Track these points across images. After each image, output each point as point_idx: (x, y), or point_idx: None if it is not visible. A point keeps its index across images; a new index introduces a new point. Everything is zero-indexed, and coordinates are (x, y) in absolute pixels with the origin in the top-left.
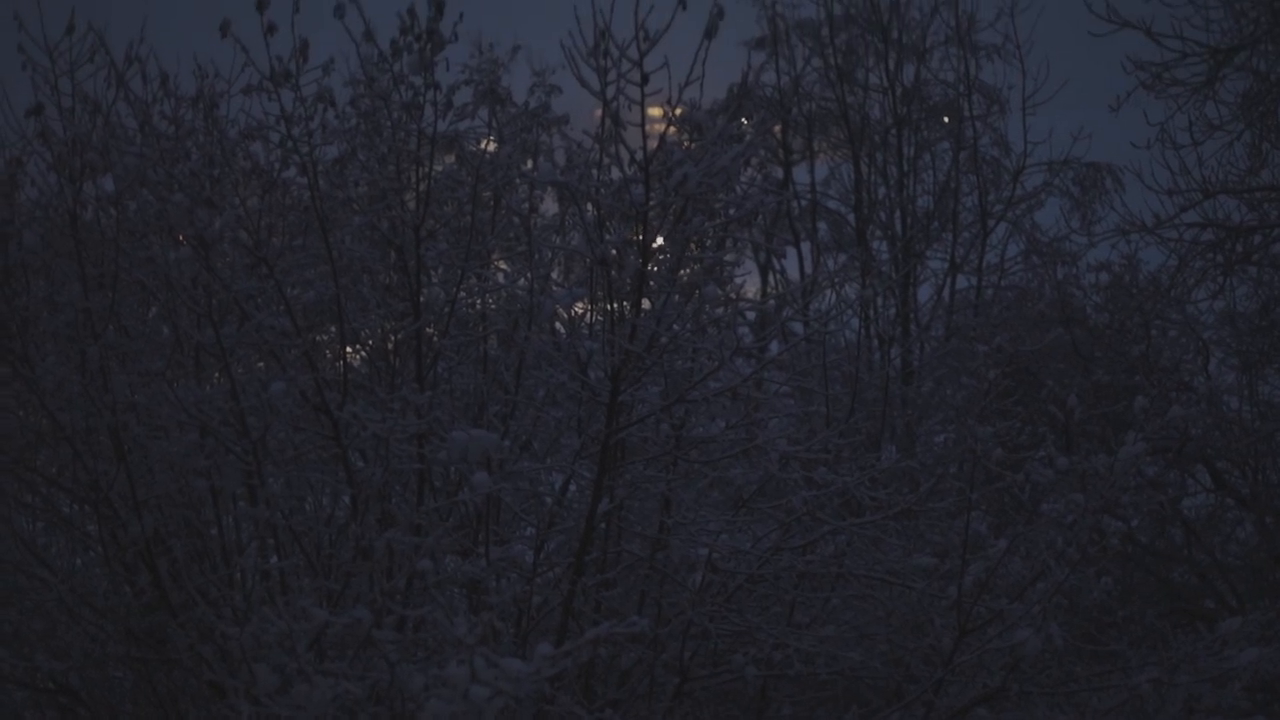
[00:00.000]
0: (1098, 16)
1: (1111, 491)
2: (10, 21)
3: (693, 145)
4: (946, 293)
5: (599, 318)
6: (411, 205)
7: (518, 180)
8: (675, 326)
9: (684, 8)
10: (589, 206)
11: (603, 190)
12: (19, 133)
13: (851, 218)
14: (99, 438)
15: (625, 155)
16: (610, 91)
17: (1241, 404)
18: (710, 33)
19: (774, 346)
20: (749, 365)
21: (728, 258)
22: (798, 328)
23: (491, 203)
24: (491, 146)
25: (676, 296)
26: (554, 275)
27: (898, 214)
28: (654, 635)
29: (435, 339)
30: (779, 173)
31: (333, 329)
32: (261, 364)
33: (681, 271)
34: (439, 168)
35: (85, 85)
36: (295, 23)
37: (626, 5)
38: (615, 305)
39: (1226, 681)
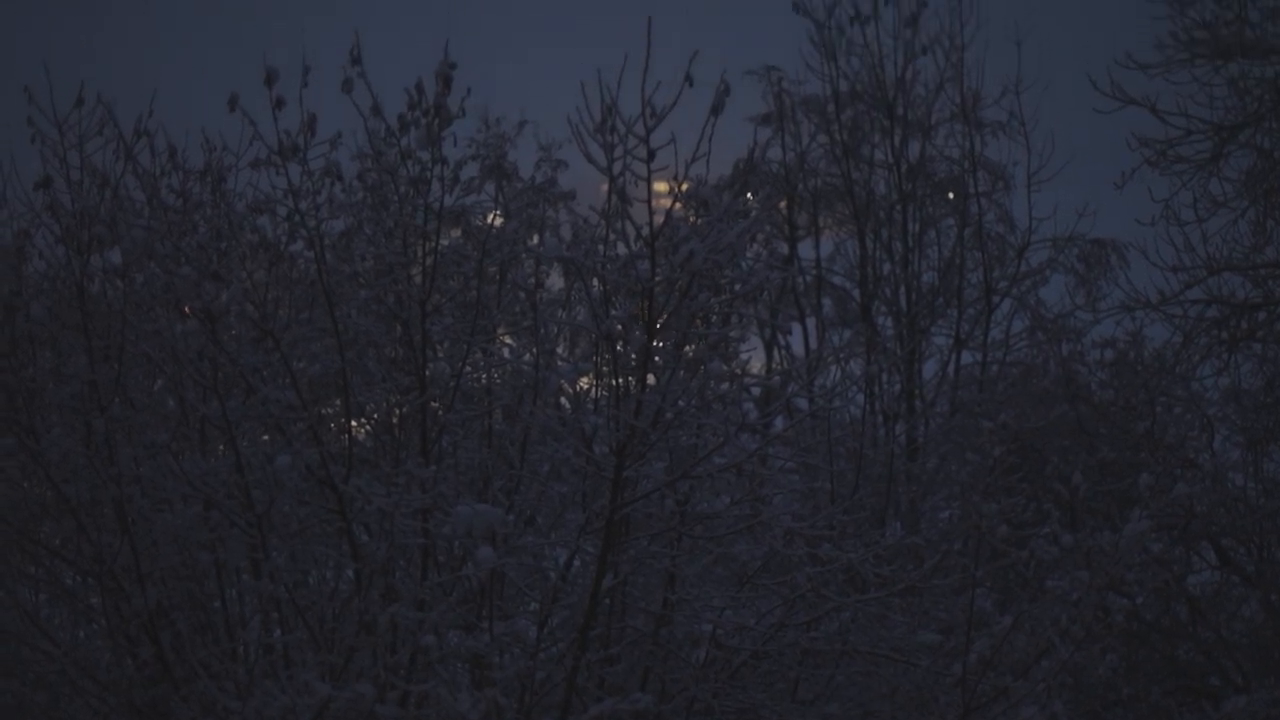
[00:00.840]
0: (1103, 94)
1: (1116, 568)
2: (19, 94)
3: (698, 221)
4: (951, 369)
5: (604, 393)
6: (417, 279)
7: (524, 255)
8: (680, 402)
9: (690, 85)
10: (595, 282)
11: (608, 266)
12: (27, 205)
13: (856, 293)
14: (103, 510)
15: (631, 231)
16: (617, 167)
17: (1246, 481)
18: (717, 110)
19: (779, 422)
20: (754, 441)
21: (733, 333)
22: (803, 403)
23: (497, 277)
24: (498, 221)
25: (682, 372)
26: (559, 350)
27: (902, 290)
28: (657, 712)
29: (440, 413)
30: (784, 248)
31: (338, 402)
32: (266, 437)
33: (687, 347)
34: (445, 242)
35: (94, 158)
36: (303, 97)
37: (633, 82)
38: (620, 380)
39: None
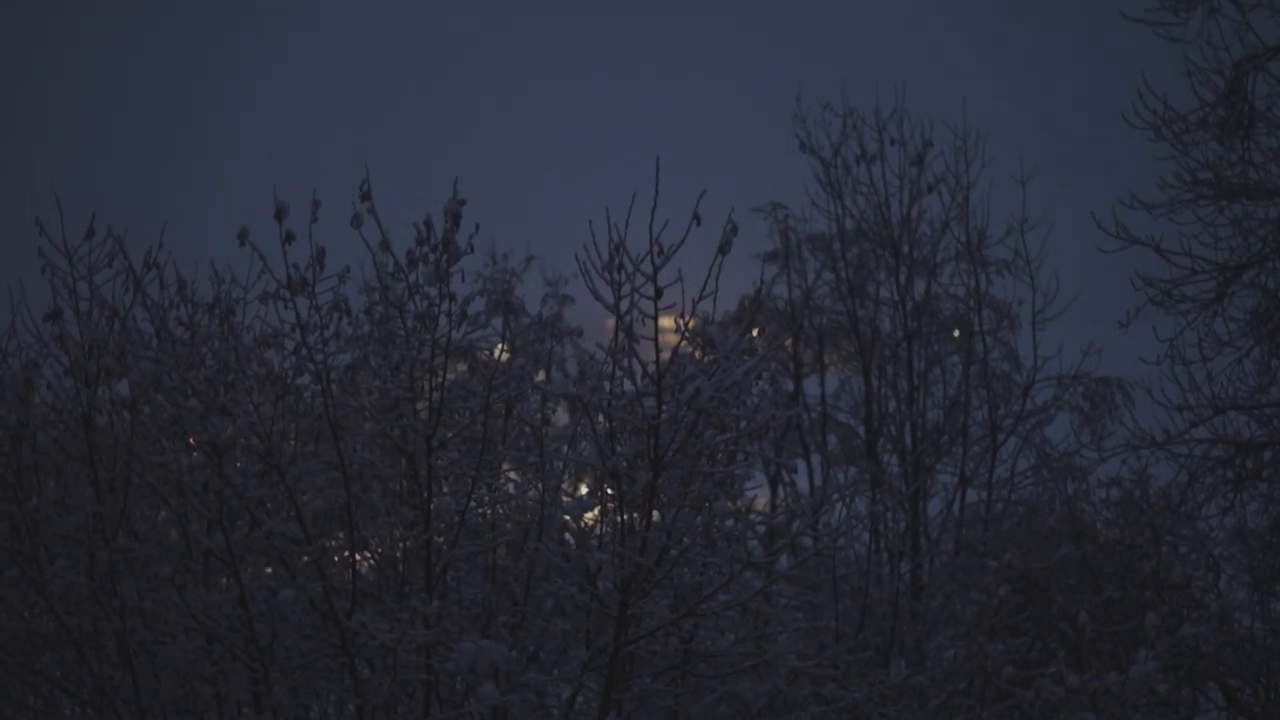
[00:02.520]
0: (1107, 233)
1: (1123, 709)
2: (31, 225)
3: (705, 358)
4: (956, 507)
5: (609, 529)
6: (423, 414)
7: (530, 391)
8: (685, 539)
9: (698, 224)
10: (600, 418)
11: (614, 402)
12: (36, 336)
13: (861, 431)
14: (105, 642)
15: (638, 368)
16: (624, 305)
17: (1253, 621)
18: (724, 249)
19: (783, 560)
20: (758, 579)
21: (738, 471)
22: (807, 541)
23: (503, 412)
24: (504, 356)
25: (687, 509)
26: (564, 486)
27: (908, 428)
28: None
29: (445, 548)
30: (789, 385)
31: (342, 536)
32: (270, 570)
33: (692, 484)
34: (451, 376)
35: (103, 289)
36: (312, 231)
37: (641, 219)
38: (625, 517)
39: None
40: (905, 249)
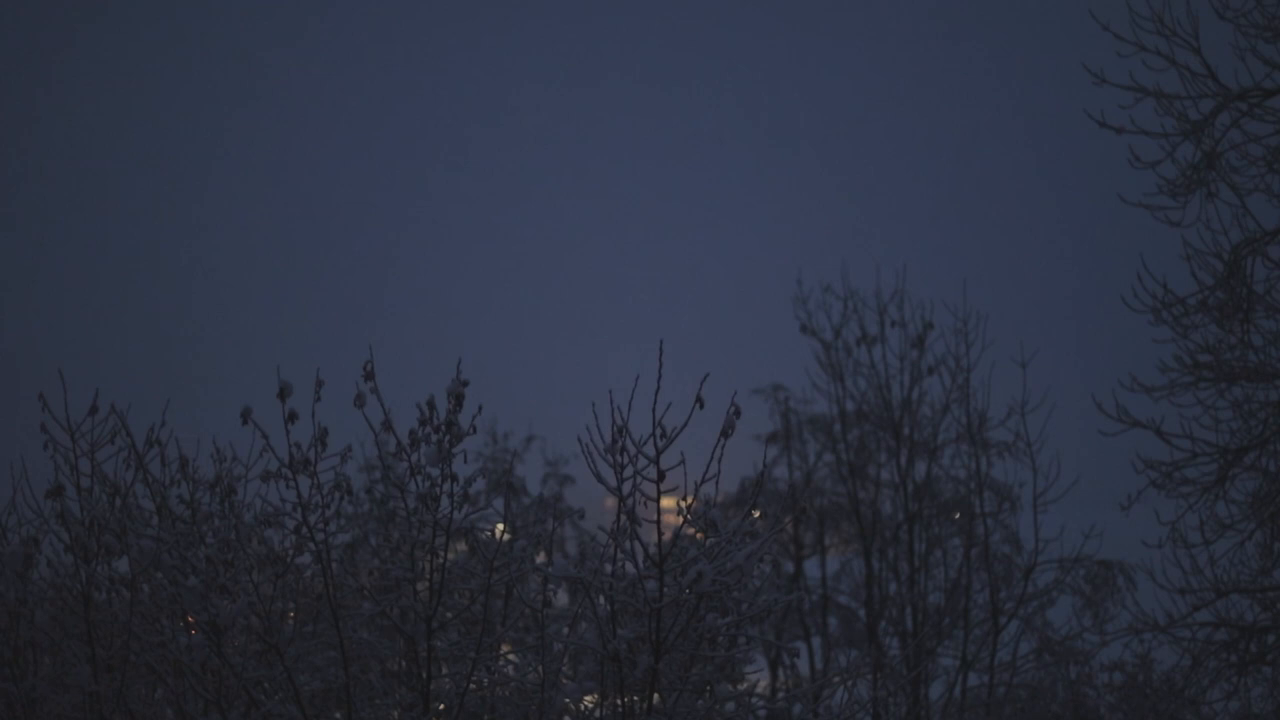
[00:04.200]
0: (1108, 416)
1: None
2: (34, 400)
3: (707, 540)
4: (958, 691)
5: (609, 713)
6: (424, 594)
7: (531, 572)
8: None
9: (701, 407)
10: (602, 600)
11: (616, 585)
12: (37, 512)
13: (863, 613)
14: None
15: (640, 550)
16: (626, 487)
17: None
18: (727, 432)
19: None
20: None
21: (739, 654)
22: None
23: (504, 593)
24: (505, 536)
25: (688, 693)
26: (564, 668)
27: (909, 610)
28: None
29: None
30: (790, 567)
31: (340, 717)
32: None
33: (693, 668)
34: (451, 556)
35: (105, 466)
36: (315, 411)
37: (644, 401)
38: (626, 700)
39: None
40: (906, 431)
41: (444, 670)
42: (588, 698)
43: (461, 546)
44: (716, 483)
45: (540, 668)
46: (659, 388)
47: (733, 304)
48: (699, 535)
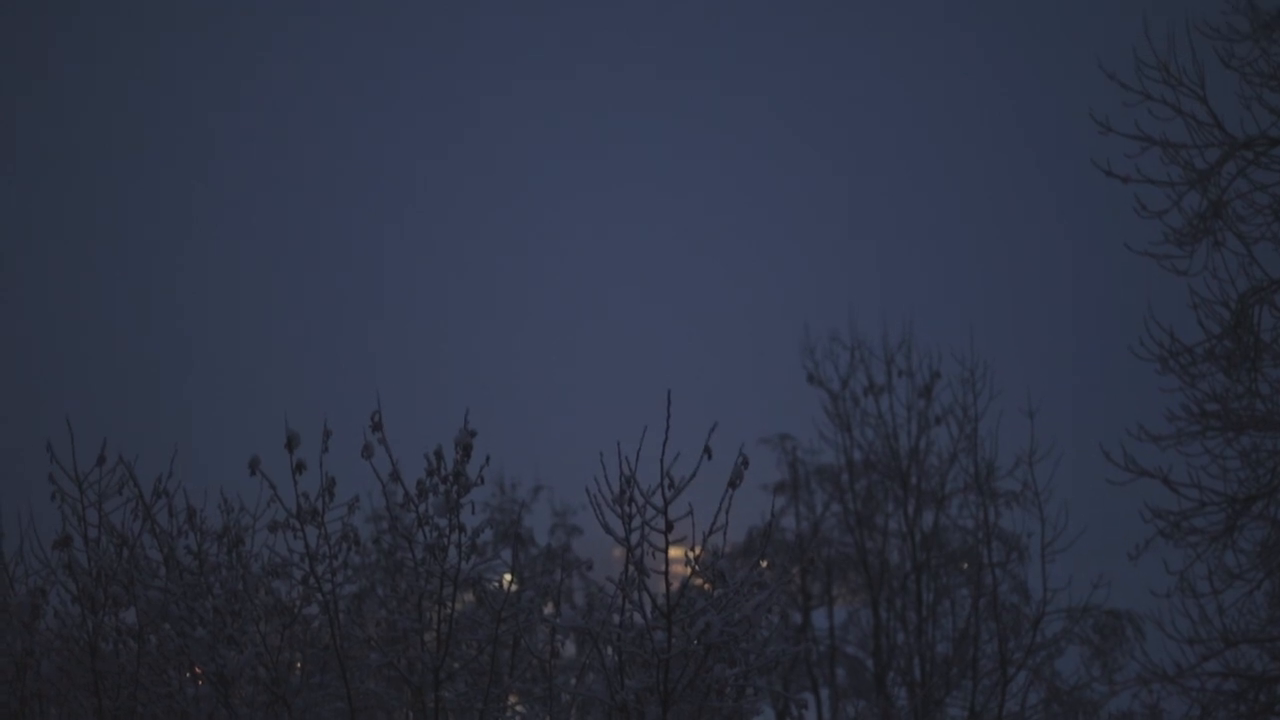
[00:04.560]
0: (1116, 465)
1: None
2: (42, 450)
3: (714, 589)
4: None
5: None
6: (431, 645)
7: (539, 623)
8: None
9: (709, 457)
10: (610, 651)
11: (624, 636)
12: (44, 562)
13: (870, 663)
14: None
15: (647, 601)
16: (634, 538)
17: None
18: (734, 483)
19: None
20: None
21: (746, 705)
22: None
23: (511, 644)
24: (512, 586)
25: None
26: (571, 717)
27: (916, 660)
28: None
29: None
30: (798, 617)
31: None
32: None
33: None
34: (459, 606)
35: (112, 516)
36: (324, 461)
37: (652, 451)
38: None
39: None
40: (914, 480)
41: None
42: None
43: (469, 597)
44: (724, 533)
45: (548, 718)
46: (667, 438)
47: (740, 351)
48: (707, 586)
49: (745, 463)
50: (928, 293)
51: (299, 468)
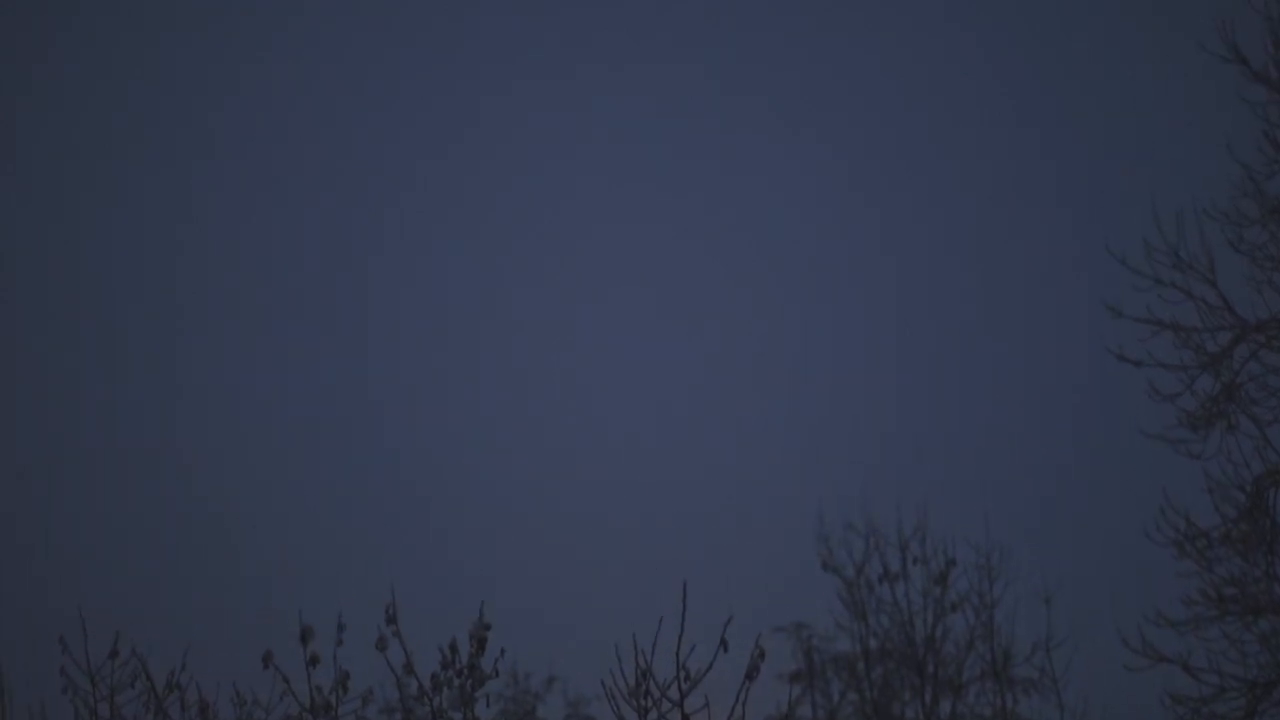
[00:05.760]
0: (1134, 651)
1: None
2: (55, 643)
3: None
4: None
5: None
6: None
7: None
8: None
9: (725, 650)
10: None
11: None
12: None
13: None
14: None
15: None
16: None
17: None
18: (751, 675)
19: None
20: None
21: None
22: None
23: None
24: None
25: None
26: None
27: None
28: None
29: None
30: None
31: None
32: None
33: None
34: None
35: (125, 709)
36: (337, 655)
37: (668, 643)
38: None
39: None
40: (930, 668)
41: None
42: None
43: None
44: None
45: None
46: (682, 630)
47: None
48: None
49: (762, 655)
50: (942, 479)
51: (313, 661)
